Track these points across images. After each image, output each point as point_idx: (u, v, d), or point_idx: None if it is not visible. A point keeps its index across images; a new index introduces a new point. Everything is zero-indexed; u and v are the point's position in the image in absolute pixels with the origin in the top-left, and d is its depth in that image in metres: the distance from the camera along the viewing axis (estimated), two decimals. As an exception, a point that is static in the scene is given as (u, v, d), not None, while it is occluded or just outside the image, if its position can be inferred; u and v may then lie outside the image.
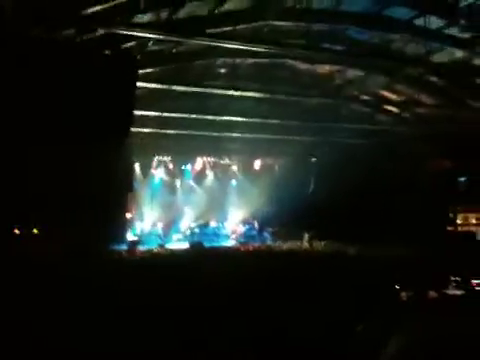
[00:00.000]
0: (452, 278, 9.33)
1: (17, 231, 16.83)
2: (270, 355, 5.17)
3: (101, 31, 10.22)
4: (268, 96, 15.72)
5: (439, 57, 13.99)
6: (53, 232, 16.17)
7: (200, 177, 24.74)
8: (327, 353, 4.52)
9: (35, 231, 17.29)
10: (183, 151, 22.53)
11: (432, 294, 7.63)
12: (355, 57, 14.10)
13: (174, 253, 17.90)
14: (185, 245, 20.45)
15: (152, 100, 15.17)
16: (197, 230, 23.42)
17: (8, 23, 8.09)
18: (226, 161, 24.82)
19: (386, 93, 17.61)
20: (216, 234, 23.88)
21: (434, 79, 15.69)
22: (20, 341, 5.91)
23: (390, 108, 18.46)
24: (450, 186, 18.98)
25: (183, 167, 24.13)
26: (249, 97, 15.84)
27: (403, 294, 7.52)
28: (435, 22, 12.73)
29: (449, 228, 19.47)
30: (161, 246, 20.11)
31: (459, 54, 13.82)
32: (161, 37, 10.83)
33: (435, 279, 9.20)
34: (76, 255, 13.31)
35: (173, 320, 6.65)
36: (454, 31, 12.85)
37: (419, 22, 12.84)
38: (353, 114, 18.17)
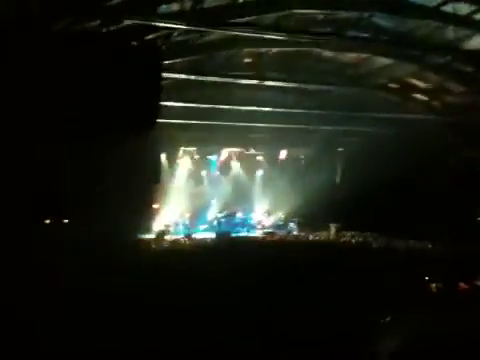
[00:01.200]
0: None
1: (48, 221, 17.18)
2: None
3: (126, 22, 10.30)
4: (294, 85, 15.62)
5: (469, 44, 13.67)
6: (82, 222, 16.45)
7: (226, 167, 24.78)
8: (353, 343, 4.51)
9: (65, 221, 17.62)
10: (209, 142, 22.58)
11: (462, 285, 7.56)
12: (382, 45, 13.90)
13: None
14: (212, 235, 20.61)
15: (177, 91, 15.23)
16: (223, 220, 23.54)
17: (34, 15, 8.22)
18: (252, 151, 24.78)
19: (414, 81, 17.31)
20: (242, 224, 23.96)
21: (463, 67, 15.35)
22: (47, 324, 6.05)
23: (418, 96, 18.15)
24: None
25: (209, 158, 24.20)
26: (274, 87, 15.77)
27: (433, 285, 7.47)
28: (464, 8, 12.45)
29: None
30: (188, 236, 20.29)
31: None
32: (186, 27, 10.84)
33: (465, 271, 9.08)
34: (104, 244, 13.55)
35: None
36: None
37: (448, 8, 12.58)
38: (380, 103, 17.91)
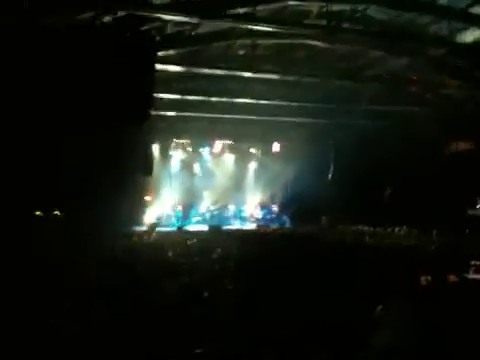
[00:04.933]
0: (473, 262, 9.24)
1: (39, 213, 17.06)
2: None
3: (120, 13, 10.17)
4: (288, 78, 15.56)
5: (463, 37, 13.67)
6: (73, 214, 16.36)
7: (219, 160, 24.73)
8: (346, 332, 4.49)
9: (56, 213, 17.52)
10: (202, 134, 22.51)
11: (452, 278, 7.57)
12: (376, 38, 13.86)
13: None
14: (204, 227, 20.59)
15: (171, 82, 15.14)
16: (216, 213, 23.53)
17: (26, 7, 8.09)
18: (245, 144, 24.72)
19: (407, 74, 17.30)
20: (235, 217, 23.99)
21: (457, 60, 15.36)
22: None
23: (412, 90, 18.15)
24: (472, 169, 18.70)
25: (202, 150, 24.11)
26: (268, 79, 15.70)
27: (423, 278, 7.47)
28: (460, 1, 12.44)
29: (470, 212, 19.26)
30: (180, 228, 20.26)
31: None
32: (180, 18, 10.75)
33: (455, 263, 9.12)
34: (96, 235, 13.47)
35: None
36: (480, 10, 12.56)
37: (443, 1, 12.57)
38: (373, 96, 17.90)
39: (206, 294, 6.73)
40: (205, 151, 24.21)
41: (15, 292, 7.09)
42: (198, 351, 4.68)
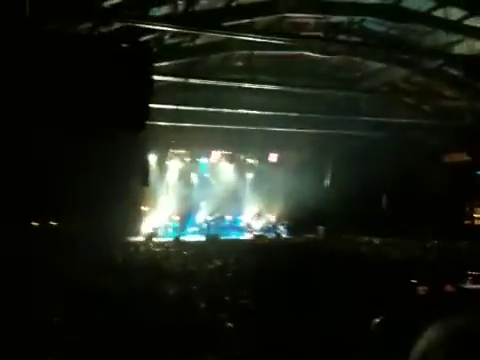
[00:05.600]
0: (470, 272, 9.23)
1: (35, 223, 17.02)
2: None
3: (118, 24, 10.22)
4: (285, 89, 15.59)
5: (459, 48, 13.75)
6: (70, 225, 16.31)
7: (216, 170, 24.68)
8: (342, 345, 4.47)
9: (52, 224, 17.48)
10: (199, 144, 22.47)
11: (449, 288, 7.55)
12: (373, 49, 13.95)
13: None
14: (201, 238, 20.54)
15: (169, 93, 15.14)
16: (213, 223, 23.45)
17: (26, 17, 8.10)
18: (242, 154, 24.70)
19: (404, 85, 17.38)
20: (232, 227, 23.90)
21: (453, 71, 15.45)
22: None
23: (408, 100, 18.22)
24: (468, 180, 18.73)
25: (199, 160, 24.06)
26: (266, 90, 15.73)
27: (420, 288, 7.45)
28: (455, 13, 12.52)
29: (466, 222, 19.29)
30: (177, 238, 20.19)
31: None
32: (178, 30, 10.78)
33: (452, 273, 9.10)
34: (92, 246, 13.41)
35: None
36: (475, 22, 12.64)
37: (439, 13, 12.66)
38: (370, 107, 17.95)
39: (203, 305, 6.68)
40: (202, 161, 24.16)
41: (12, 300, 7.05)
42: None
